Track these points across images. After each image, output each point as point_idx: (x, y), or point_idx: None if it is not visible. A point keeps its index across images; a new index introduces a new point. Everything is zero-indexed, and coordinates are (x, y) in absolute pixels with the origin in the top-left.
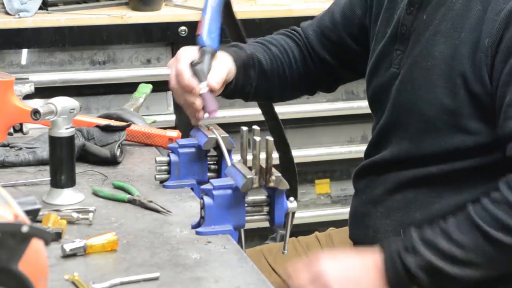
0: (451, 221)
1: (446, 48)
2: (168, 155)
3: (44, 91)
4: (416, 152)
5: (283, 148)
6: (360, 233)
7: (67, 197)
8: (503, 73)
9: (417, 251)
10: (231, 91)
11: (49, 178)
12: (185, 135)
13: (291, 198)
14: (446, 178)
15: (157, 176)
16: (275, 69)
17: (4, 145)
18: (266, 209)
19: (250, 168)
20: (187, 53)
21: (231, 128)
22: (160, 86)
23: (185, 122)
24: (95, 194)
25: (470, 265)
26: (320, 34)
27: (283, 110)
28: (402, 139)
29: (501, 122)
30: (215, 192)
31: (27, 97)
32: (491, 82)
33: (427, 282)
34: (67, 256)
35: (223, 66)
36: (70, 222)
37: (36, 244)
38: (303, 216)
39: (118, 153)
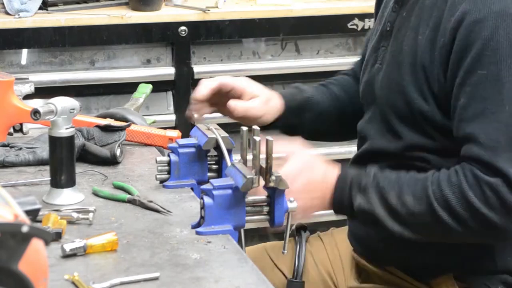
0: (411, 180)
1: (413, 43)
2: (168, 155)
3: (44, 91)
4: (391, 145)
5: None
6: (359, 226)
7: (67, 197)
8: (458, 75)
9: (367, 194)
10: (281, 128)
11: (49, 178)
12: (185, 135)
13: (291, 198)
14: (421, 168)
15: (157, 176)
16: (333, 108)
17: (4, 145)
18: (266, 209)
19: (250, 168)
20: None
21: (231, 128)
22: (160, 86)
23: (185, 122)
24: (95, 194)
25: (407, 226)
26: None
27: None
28: (378, 131)
29: (456, 123)
30: (215, 192)
31: (27, 97)
32: (445, 80)
33: (361, 222)
34: (67, 256)
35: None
36: (70, 222)
37: (36, 244)
38: None
39: (118, 153)
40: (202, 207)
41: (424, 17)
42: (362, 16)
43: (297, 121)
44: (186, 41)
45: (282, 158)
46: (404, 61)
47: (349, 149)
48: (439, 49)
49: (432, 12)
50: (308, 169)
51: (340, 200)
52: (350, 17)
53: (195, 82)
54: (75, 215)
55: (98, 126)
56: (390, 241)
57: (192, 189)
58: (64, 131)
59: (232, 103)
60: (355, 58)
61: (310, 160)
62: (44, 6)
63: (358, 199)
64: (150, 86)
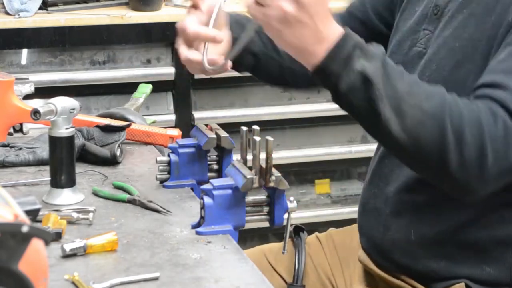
0: (426, 84)
1: (476, 31)
2: (168, 155)
3: (44, 91)
4: None
5: None
6: (370, 225)
7: (67, 197)
8: (508, 37)
9: (372, 62)
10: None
11: (49, 178)
12: (185, 135)
13: (291, 198)
14: None
15: (157, 176)
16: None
17: (4, 145)
18: (266, 209)
19: (250, 168)
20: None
21: (231, 128)
22: (160, 86)
23: (185, 122)
24: (95, 194)
25: (402, 117)
26: (347, 15)
27: (283, 110)
28: None
29: (485, 73)
30: (215, 192)
31: (27, 97)
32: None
33: (351, 94)
34: (67, 256)
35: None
36: (70, 222)
37: (36, 244)
38: (303, 216)
39: (118, 153)
40: (202, 207)
41: (490, 4)
42: None
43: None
44: None
45: None
46: (462, 48)
47: (349, 149)
48: (506, 26)
49: (504, 2)
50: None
51: (337, 52)
52: None
53: (195, 82)
54: (75, 215)
55: (98, 126)
56: (402, 245)
57: (192, 189)
58: (64, 131)
59: None
60: None
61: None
62: (44, 6)
63: (362, 62)
64: (150, 86)
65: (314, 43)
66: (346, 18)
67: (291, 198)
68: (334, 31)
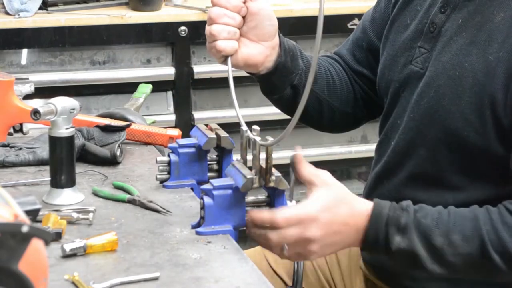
0: (457, 218)
1: (478, 61)
2: (168, 155)
3: (44, 91)
4: (432, 162)
5: None
6: None
7: (67, 197)
8: None
9: (407, 234)
10: (275, 70)
11: (49, 178)
12: (185, 135)
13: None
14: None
15: (157, 176)
16: (323, 77)
17: (4, 145)
18: (266, 209)
19: (250, 168)
20: None
21: (231, 128)
22: (160, 86)
23: (185, 122)
24: (95, 194)
25: (449, 267)
26: (352, 48)
27: None
28: (418, 146)
29: None
30: (215, 192)
31: (27, 97)
32: None
33: (398, 263)
34: (67, 256)
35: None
36: (70, 222)
37: (36, 244)
38: None
39: (118, 153)
40: (202, 207)
41: (495, 35)
42: (362, 16)
43: (294, 65)
44: (186, 41)
45: (308, 186)
46: (463, 78)
47: (349, 149)
48: None
49: (508, 30)
50: (334, 206)
51: (375, 240)
52: (350, 17)
53: (195, 82)
54: (75, 215)
55: (98, 126)
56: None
57: (192, 189)
58: (64, 131)
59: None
60: None
61: (337, 196)
62: (44, 6)
63: (397, 239)
64: (150, 86)
65: (349, 244)
66: (352, 51)
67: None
68: (360, 221)
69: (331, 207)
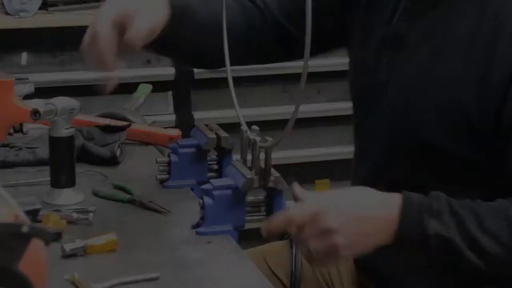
0: (488, 209)
1: (447, 72)
2: (168, 155)
3: (44, 91)
4: (412, 171)
5: None
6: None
7: (67, 197)
8: None
9: (442, 219)
10: (161, 45)
11: (49, 178)
12: (185, 135)
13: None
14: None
15: (157, 176)
16: (215, 22)
17: (4, 145)
18: (265, 209)
19: (250, 168)
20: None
21: (231, 128)
22: (160, 86)
23: (185, 122)
24: (95, 194)
25: (484, 258)
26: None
27: (283, 110)
28: (395, 156)
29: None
30: (215, 192)
31: (27, 97)
32: (502, 119)
33: (435, 252)
34: (67, 256)
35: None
36: (70, 222)
37: (36, 244)
38: None
39: (118, 153)
40: (202, 207)
41: (462, 45)
42: None
43: (179, 29)
44: None
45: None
46: (431, 90)
47: (349, 149)
48: (498, 84)
49: (474, 39)
50: (355, 195)
51: (410, 227)
52: None
53: (195, 82)
54: (75, 215)
55: (98, 126)
56: (391, 270)
57: (192, 189)
58: (64, 131)
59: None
60: None
61: (357, 189)
62: (44, 6)
63: (433, 224)
64: (150, 86)
65: (379, 236)
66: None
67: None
68: (389, 211)
69: (348, 197)
